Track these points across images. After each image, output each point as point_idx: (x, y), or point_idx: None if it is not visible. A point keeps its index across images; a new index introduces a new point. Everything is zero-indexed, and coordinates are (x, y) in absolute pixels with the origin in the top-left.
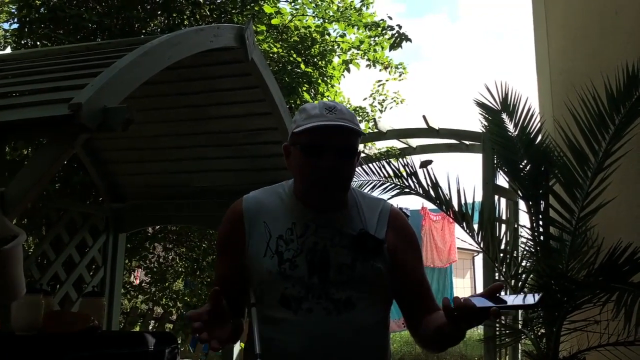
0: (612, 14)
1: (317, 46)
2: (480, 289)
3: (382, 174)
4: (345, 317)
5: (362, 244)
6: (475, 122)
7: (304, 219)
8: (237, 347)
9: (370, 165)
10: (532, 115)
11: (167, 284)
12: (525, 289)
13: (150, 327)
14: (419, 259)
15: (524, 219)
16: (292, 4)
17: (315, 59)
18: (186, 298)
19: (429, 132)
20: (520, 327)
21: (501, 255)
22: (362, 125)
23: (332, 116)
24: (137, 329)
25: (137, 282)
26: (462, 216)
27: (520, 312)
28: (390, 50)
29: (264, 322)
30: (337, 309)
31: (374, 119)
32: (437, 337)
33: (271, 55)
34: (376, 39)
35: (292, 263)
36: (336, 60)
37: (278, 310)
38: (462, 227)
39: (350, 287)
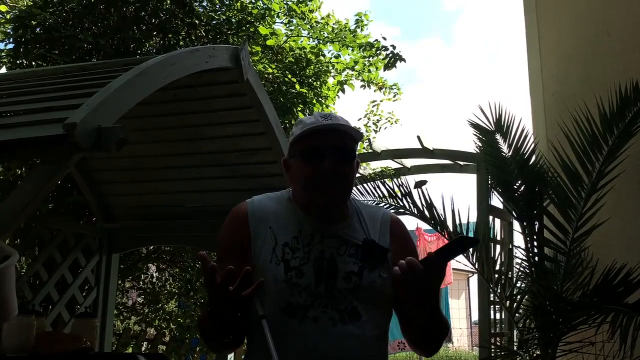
0: (604, 35)
1: (312, 67)
2: (475, 309)
3: (376, 194)
4: (350, 327)
5: (369, 252)
6: (469, 143)
7: (310, 229)
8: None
9: (365, 185)
10: (525, 136)
11: (160, 305)
12: (520, 311)
13: (143, 349)
14: None
15: (518, 239)
16: (287, 25)
17: (310, 80)
18: (179, 319)
19: (424, 152)
20: (515, 348)
21: (496, 276)
22: (357, 146)
23: (328, 122)
24: (130, 350)
25: (131, 302)
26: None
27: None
28: (384, 70)
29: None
30: (342, 319)
31: (369, 139)
32: (418, 329)
33: (266, 75)
34: (370, 59)
35: (299, 271)
36: (331, 80)
37: (282, 319)
38: None
39: (357, 296)
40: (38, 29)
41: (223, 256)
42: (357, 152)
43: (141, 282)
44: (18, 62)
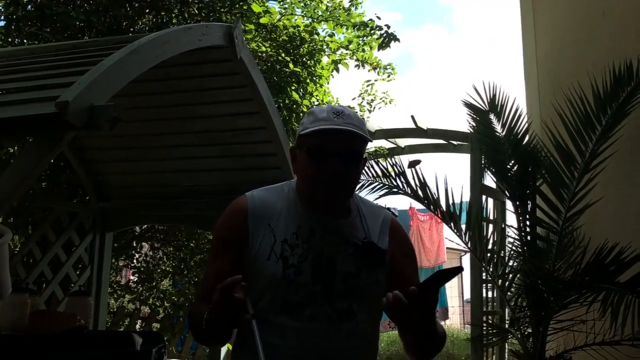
0: (598, 15)
1: (306, 45)
2: (467, 288)
3: (370, 174)
4: (346, 326)
5: (368, 254)
6: (463, 124)
7: (310, 224)
8: (224, 348)
9: None
10: (519, 116)
11: (154, 284)
12: (512, 290)
13: (137, 327)
14: (415, 270)
15: (511, 219)
16: (281, 3)
17: (304, 59)
18: (173, 298)
19: (418, 132)
20: (507, 326)
21: (488, 255)
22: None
23: (339, 120)
24: (124, 328)
25: (125, 281)
26: (449, 216)
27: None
28: (378, 49)
29: (264, 326)
30: (339, 318)
31: (363, 119)
32: (412, 343)
33: (260, 54)
34: (365, 38)
35: (297, 269)
36: (325, 60)
37: (279, 316)
38: (450, 227)
39: (353, 296)
40: (29, 7)
41: (220, 250)
42: (364, 151)
43: (135, 261)
44: (9, 40)
